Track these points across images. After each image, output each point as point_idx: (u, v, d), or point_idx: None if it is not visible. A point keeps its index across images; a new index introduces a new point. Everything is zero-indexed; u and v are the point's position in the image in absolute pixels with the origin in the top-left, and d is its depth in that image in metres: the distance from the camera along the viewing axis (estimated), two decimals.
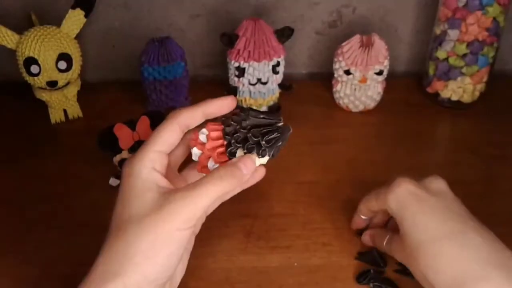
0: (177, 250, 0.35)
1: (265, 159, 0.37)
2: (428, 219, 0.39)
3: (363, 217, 0.48)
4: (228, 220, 0.51)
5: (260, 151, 0.36)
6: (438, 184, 0.42)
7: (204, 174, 0.37)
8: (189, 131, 0.39)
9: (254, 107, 0.39)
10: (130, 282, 0.33)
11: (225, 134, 0.37)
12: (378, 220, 0.48)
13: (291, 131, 0.37)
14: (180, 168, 0.42)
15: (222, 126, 0.37)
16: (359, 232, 0.49)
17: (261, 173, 0.40)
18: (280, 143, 0.37)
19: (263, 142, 0.36)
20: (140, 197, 0.35)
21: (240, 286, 0.45)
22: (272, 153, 0.37)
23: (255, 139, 0.36)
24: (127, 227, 0.34)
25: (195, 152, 0.38)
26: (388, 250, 0.44)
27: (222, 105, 0.39)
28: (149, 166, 0.36)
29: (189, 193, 0.34)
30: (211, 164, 0.37)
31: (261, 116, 0.37)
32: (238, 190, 0.41)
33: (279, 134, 0.36)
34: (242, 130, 0.36)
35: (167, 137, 0.37)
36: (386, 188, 0.42)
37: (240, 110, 0.38)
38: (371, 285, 0.44)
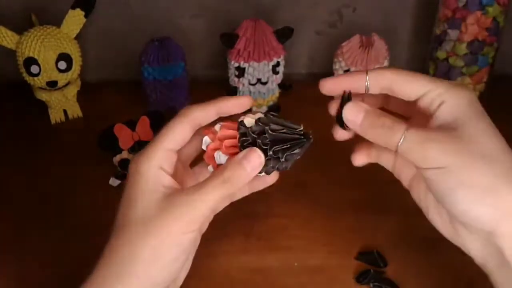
0: (182, 254, 0.34)
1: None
2: (499, 137, 0.33)
3: (368, 83, 0.35)
4: (228, 220, 0.50)
5: (277, 166, 0.35)
6: None
7: (210, 165, 0.36)
8: (200, 128, 0.37)
9: (272, 113, 0.36)
10: (134, 285, 0.33)
11: (241, 144, 0.35)
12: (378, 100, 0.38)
13: (311, 141, 0.35)
14: (193, 163, 0.41)
15: (237, 129, 0.35)
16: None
17: (274, 177, 0.39)
18: (299, 157, 0.35)
19: (283, 160, 0.35)
20: (144, 199, 0.34)
21: (240, 286, 0.45)
22: (288, 166, 0.36)
23: (275, 156, 0.34)
24: (131, 230, 0.33)
25: (206, 140, 0.37)
26: (411, 142, 0.32)
27: (237, 105, 0.37)
28: (157, 165, 0.35)
29: (193, 196, 0.33)
30: (217, 154, 0.36)
31: (283, 130, 0.35)
32: (247, 192, 0.40)
33: (299, 150, 0.35)
34: (261, 146, 0.34)
35: (177, 135, 0.36)
36: (447, 81, 0.34)
37: (258, 120, 0.35)
38: (371, 285, 0.44)
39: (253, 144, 0.34)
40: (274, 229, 0.51)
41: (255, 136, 0.34)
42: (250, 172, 0.34)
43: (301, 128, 0.35)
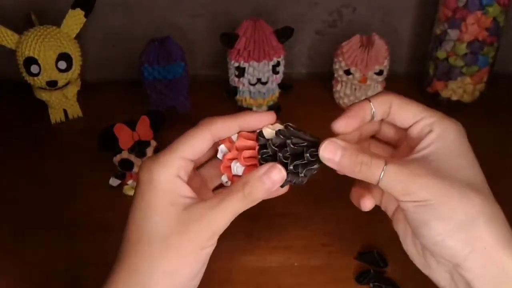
0: (201, 268, 0.34)
1: None
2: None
3: (372, 108, 0.36)
4: None
5: (294, 180, 0.35)
6: None
7: (224, 174, 0.36)
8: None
9: (290, 124, 0.36)
10: None
11: (261, 156, 0.34)
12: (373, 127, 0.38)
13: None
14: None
15: (256, 140, 0.35)
16: None
17: (286, 188, 0.38)
18: (316, 165, 0.35)
19: (302, 175, 0.34)
20: (163, 212, 0.33)
21: (240, 286, 0.45)
22: (305, 181, 0.35)
23: (295, 171, 0.34)
24: (149, 245, 0.32)
25: (222, 149, 0.36)
26: (392, 177, 0.32)
27: (260, 120, 0.36)
28: (173, 173, 0.33)
29: (212, 211, 0.33)
30: (235, 165, 0.35)
31: (303, 143, 0.34)
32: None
33: (318, 165, 0.34)
34: (282, 160, 0.34)
35: (198, 146, 0.34)
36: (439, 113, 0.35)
37: (278, 131, 0.34)
38: (371, 285, 0.44)
39: (273, 157, 0.34)
40: (274, 229, 0.51)
41: (275, 148, 0.34)
42: (271, 187, 0.34)
43: (319, 140, 0.35)
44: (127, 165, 0.54)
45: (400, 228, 0.37)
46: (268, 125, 0.35)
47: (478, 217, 0.31)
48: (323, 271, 0.46)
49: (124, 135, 0.54)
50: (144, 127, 0.54)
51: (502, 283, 0.31)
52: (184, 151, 0.34)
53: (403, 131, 0.36)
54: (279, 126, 0.35)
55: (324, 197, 0.54)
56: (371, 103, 0.36)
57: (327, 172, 0.58)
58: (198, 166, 0.40)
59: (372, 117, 0.36)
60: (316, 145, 0.34)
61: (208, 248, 0.33)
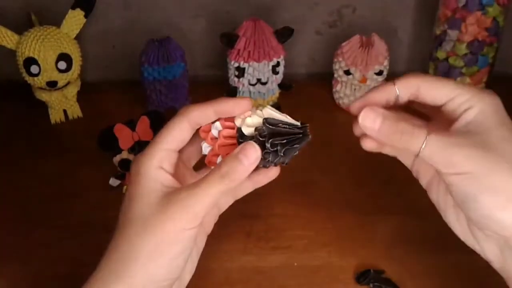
0: (183, 251, 0.34)
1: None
2: None
3: (397, 89, 0.35)
4: (228, 220, 0.50)
5: (275, 160, 0.35)
6: None
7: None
8: (200, 128, 0.37)
9: (269, 109, 0.36)
10: (135, 283, 0.33)
11: (239, 137, 0.35)
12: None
13: (309, 139, 0.35)
14: (198, 167, 0.41)
15: (235, 125, 0.35)
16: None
17: (276, 171, 0.38)
18: (296, 145, 0.35)
19: (281, 154, 0.34)
20: (145, 198, 0.34)
21: (240, 286, 0.45)
22: (286, 161, 0.35)
23: (272, 149, 0.34)
24: (132, 227, 0.34)
25: (205, 147, 0.37)
26: (434, 147, 0.32)
27: (236, 106, 0.36)
28: (156, 165, 0.35)
29: (192, 191, 0.33)
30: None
31: (280, 124, 0.35)
32: (250, 188, 0.40)
33: (297, 145, 0.35)
34: (259, 138, 0.34)
35: (177, 135, 0.36)
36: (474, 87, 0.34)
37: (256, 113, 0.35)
38: (371, 285, 0.44)
39: (250, 138, 0.34)
40: (274, 229, 0.51)
41: (261, 139, 0.34)
42: (248, 166, 0.34)
43: (299, 124, 0.35)
44: (127, 165, 0.54)
45: (440, 201, 0.36)
46: (245, 113, 0.35)
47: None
48: (323, 271, 0.46)
49: (124, 135, 0.54)
50: (144, 127, 0.54)
51: None
52: (165, 142, 0.36)
53: (438, 107, 0.35)
54: (256, 119, 0.35)
55: (324, 197, 0.54)
56: (395, 87, 0.35)
57: (328, 172, 0.58)
58: (196, 168, 0.40)
59: (397, 100, 0.35)
60: (294, 126, 0.35)
61: (189, 230, 0.33)
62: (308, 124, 0.35)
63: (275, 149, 0.34)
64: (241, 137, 0.35)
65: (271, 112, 0.35)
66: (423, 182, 0.38)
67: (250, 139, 0.34)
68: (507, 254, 0.32)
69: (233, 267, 0.47)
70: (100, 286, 0.33)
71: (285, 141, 0.34)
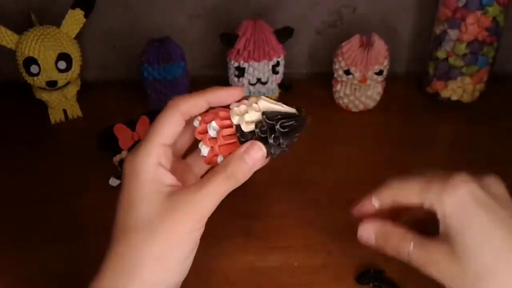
0: (188, 254, 0.33)
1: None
2: (503, 236, 0.32)
3: (376, 204, 0.39)
4: (228, 220, 0.51)
5: (273, 136, 0.33)
6: (499, 187, 0.36)
7: (203, 146, 0.35)
8: (192, 118, 0.36)
9: (264, 100, 0.35)
10: None
11: (240, 136, 0.34)
12: (398, 214, 0.39)
13: (308, 122, 0.35)
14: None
15: (233, 123, 0.34)
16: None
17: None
18: (297, 134, 0.34)
19: (284, 147, 0.34)
20: (146, 200, 0.33)
21: (240, 286, 0.45)
22: (286, 143, 0.34)
23: (275, 143, 0.33)
24: (136, 234, 0.32)
25: (204, 148, 0.35)
26: (417, 259, 0.35)
27: (228, 95, 0.36)
28: (155, 162, 0.33)
29: (197, 194, 0.33)
30: (220, 159, 0.35)
31: (279, 116, 0.34)
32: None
33: (298, 133, 0.34)
34: (260, 135, 0.34)
35: (170, 128, 0.35)
36: (440, 184, 0.35)
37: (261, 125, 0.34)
38: (371, 285, 0.44)
39: (251, 134, 0.34)
40: (274, 229, 0.51)
41: (261, 135, 0.34)
42: (253, 166, 0.34)
43: (296, 112, 0.35)
44: None
45: None
46: (239, 105, 0.35)
47: None
48: (323, 271, 0.46)
49: (124, 135, 0.54)
50: (144, 127, 0.54)
51: None
52: (159, 137, 0.34)
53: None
54: (254, 115, 0.34)
55: (324, 197, 0.54)
56: (373, 201, 0.39)
57: (327, 172, 0.58)
58: (184, 155, 0.39)
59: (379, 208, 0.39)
60: (292, 115, 0.34)
61: (195, 232, 0.33)
62: (304, 109, 0.35)
63: (278, 142, 0.34)
64: (242, 136, 0.34)
65: (267, 105, 0.34)
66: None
67: (251, 135, 0.34)
68: None
69: (232, 267, 0.47)
70: None
71: (281, 117, 0.34)
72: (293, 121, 0.34)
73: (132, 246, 0.32)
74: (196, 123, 0.36)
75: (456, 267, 0.33)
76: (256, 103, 0.34)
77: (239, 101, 0.36)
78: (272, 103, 0.35)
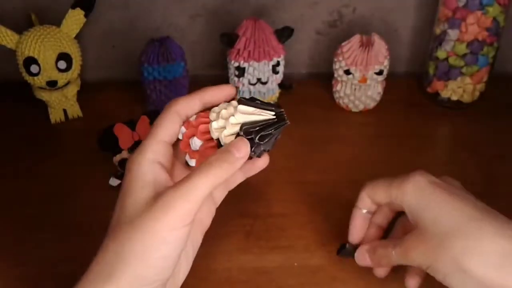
0: (173, 251, 0.33)
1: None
2: (458, 203, 0.36)
3: (363, 210, 0.44)
4: (228, 220, 0.51)
5: (253, 149, 0.34)
6: (455, 182, 0.41)
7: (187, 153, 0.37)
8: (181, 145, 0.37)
9: (241, 108, 0.35)
10: (123, 283, 0.32)
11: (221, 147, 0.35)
12: (379, 221, 0.44)
13: (287, 123, 0.35)
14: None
15: (213, 138, 0.36)
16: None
17: (265, 160, 0.38)
18: (275, 138, 0.35)
19: (257, 141, 0.34)
20: (134, 196, 0.33)
21: (240, 286, 0.45)
22: (267, 149, 0.35)
23: (248, 137, 0.34)
24: (121, 227, 0.33)
25: (190, 162, 0.37)
26: (399, 257, 0.39)
27: (219, 94, 0.38)
28: (150, 159, 0.34)
29: (180, 188, 0.32)
30: (193, 140, 0.36)
31: (252, 110, 0.35)
32: (241, 178, 0.40)
33: (273, 130, 0.34)
34: (245, 137, 0.34)
35: (169, 127, 0.36)
36: (400, 179, 0.40)
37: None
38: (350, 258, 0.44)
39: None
40: (274, 229, 0.51)
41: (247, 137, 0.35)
42: (239, 156, 0.34)
43: (274, 116, 0.35)
44: None
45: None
46: (218, 121, 0.35)
47: (463, 260, 0.35)
48: (323, 271, 0.46)
49: (124, 135, 0.54)
50: (144, 127, 0.54)
51: None
52: (158, 135, 0.36)
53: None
54: (232, 129, 0.35)
55: (324, 197, 0.54)
56: (358, 207, 0.44)
57: (327, 172, 0.58)
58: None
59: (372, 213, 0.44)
60: (271, 122, 0.35)
61: (180, 229, 0.33)
62: (283, 110, 0.36)
63: (250, 137, 0.34)
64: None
65: (244, 117, 0.35)
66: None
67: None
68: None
69: (233, 267, 0.47)
70: (90, 286, 0.32)
71: (258, 128, 0.34)
72: (272, 130, 0.35)
73: (117, 242, 0.33)
74: (180, 135, 0.37)
75: (428, 243, 0.37)
76: (234, 115, 0.35)
77: (229, 101, 0.37)
78: (249, 112, 0.35)
